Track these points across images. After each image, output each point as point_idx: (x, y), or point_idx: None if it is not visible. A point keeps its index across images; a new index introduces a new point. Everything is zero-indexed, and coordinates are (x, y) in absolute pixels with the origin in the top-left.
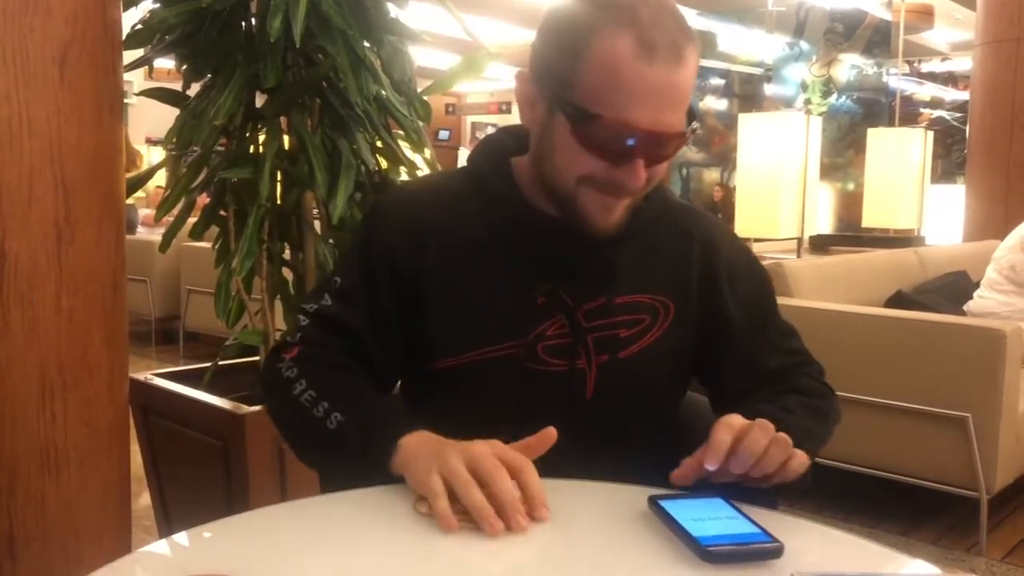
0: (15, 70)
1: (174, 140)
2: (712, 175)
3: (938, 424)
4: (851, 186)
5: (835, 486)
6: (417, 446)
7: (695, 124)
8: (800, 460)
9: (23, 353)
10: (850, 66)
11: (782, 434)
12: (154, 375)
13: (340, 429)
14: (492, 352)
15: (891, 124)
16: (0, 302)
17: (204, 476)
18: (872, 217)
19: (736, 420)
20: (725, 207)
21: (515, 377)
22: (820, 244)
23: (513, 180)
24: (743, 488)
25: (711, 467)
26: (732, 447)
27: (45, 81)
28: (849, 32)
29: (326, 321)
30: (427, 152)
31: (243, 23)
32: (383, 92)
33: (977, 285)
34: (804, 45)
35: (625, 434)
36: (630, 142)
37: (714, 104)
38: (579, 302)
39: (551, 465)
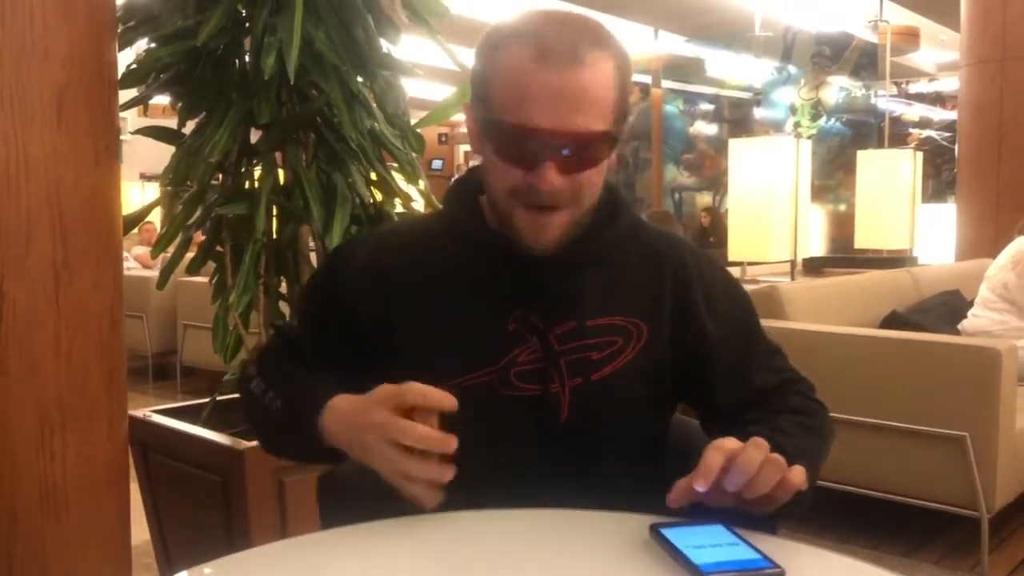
0: (12, 112)
1: (170, 177)
2: (704, 199)
3: (936, 444)
4: (842, 207)
5: (835, 508)
6: (334, 420)
7: (619, 134)
8: (797, 477)
9: (22, 393)
10: (838, 89)
11: (775, 454)
12: (153, 412)
13: (279, 411)
14: (466, 381)
15: (881, 145)
16: (1, 345)
17: (204, 512)
18: (864, 238)
19: (728, 442)
20: (715, 232)
21: (490, 403)
22: (814, 266)
23: (481, 214)
24: (744, 514)
25: (700, 488)
26: (725, 466)
27: (43, 123)
28: (836, 55)
29: (285, 336)
30: (421, 183)
31: (237, 61)
32: (377, 126)
33: (971, 304)
34: (792, 69)
35: (601, 457)
36: (535, 145)
37: (704, 129)
38: (550, 326)
39: (529, 487)
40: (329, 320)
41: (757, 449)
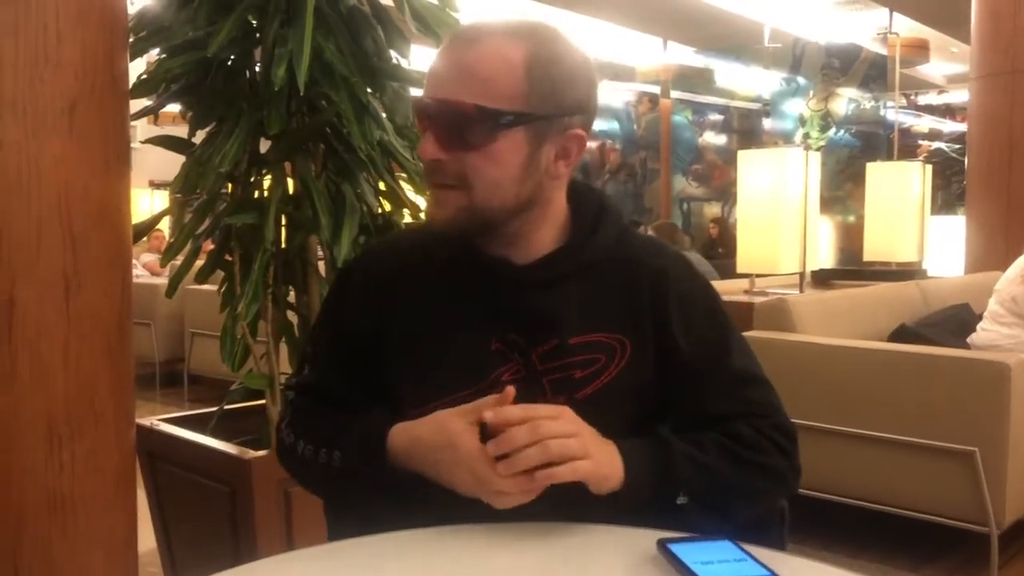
0: (25, 121)
1: (180, 186)
2: (713, 210)
3: (945, 459)
4: (851, 219)
5: (843, 523)
6: (404, 452)
7: (496, 110)
8: (578, 469)
9: (31, 400)
10: (847, 100)
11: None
12: (160, 420)
13: (342, 463)
14: (451, 401)
15: (890, 157)
16: (9, 350)
17: (210, 521)
18: (873, 251)
19: (541, 410)
20: (723, 243)
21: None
22: (822, 278)
23: None
24: (751, 531)
25: (487, 416)
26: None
27: (54, 131)
28: (845, 67)
29: (307, 389)
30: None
31: (247, 71)
32: (386, 137)
33: (980, 317)
34: (801, 80)
35: None
36: (419, 112)
37: (713, 139)
38: (533, 344)
39: (520, 508)
40: (343, 350)
41: (534, 427)
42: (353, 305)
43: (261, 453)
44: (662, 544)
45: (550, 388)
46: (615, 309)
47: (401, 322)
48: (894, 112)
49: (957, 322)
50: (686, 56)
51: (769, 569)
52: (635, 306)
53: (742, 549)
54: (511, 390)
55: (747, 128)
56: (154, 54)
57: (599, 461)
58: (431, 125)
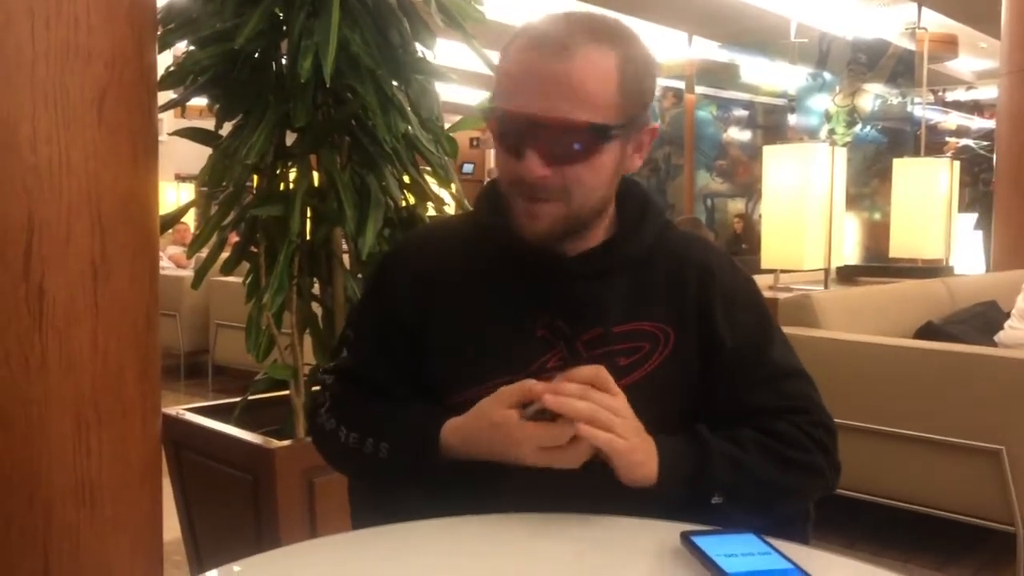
0: (56, 112)
1: (207, 178)
2: (737, 205)
3: (971, 457)
4: (877, 216)
5: (867, 521)
6: (459, 442)
7: (604, 124)
8: (614, 442)
9: (60, 389)
10: (874, 96)
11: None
12: (185, 410)
13: (392, 455)
14: (494, 386)
15: (917, 153)
16: (39, 339)
17: (234, 510)
18: (900, 247)
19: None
20: (747, 239)
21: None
22: (847, 275)
23: (509, 219)
24: (774, 527)
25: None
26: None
27: (84, 123)
28: (872, 62)
29: (345, 373)
30: (454, 187)
31: (274, 63)
32: (411, 129)
33: (1007, 315)
34: (827, 76)
35: None
36: (516, 129)
37: (737, 135)
38: (578, 332)
39: (559, 495)
40: (384, 336)
41: (590, 394)
42: (396, 292)
43: (285, 443)
44: (685, 536)
45: None
46: (660, 301)
47: (445, 310)
48: (921, 108)
49: (984, 320)
50: (711, 51)
51: (793, 562)
52: (680, 299)
53: (766, 542)
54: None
55: (772, 124)
56: (180, 47)
57: (634, 447)
58: (533, 142)
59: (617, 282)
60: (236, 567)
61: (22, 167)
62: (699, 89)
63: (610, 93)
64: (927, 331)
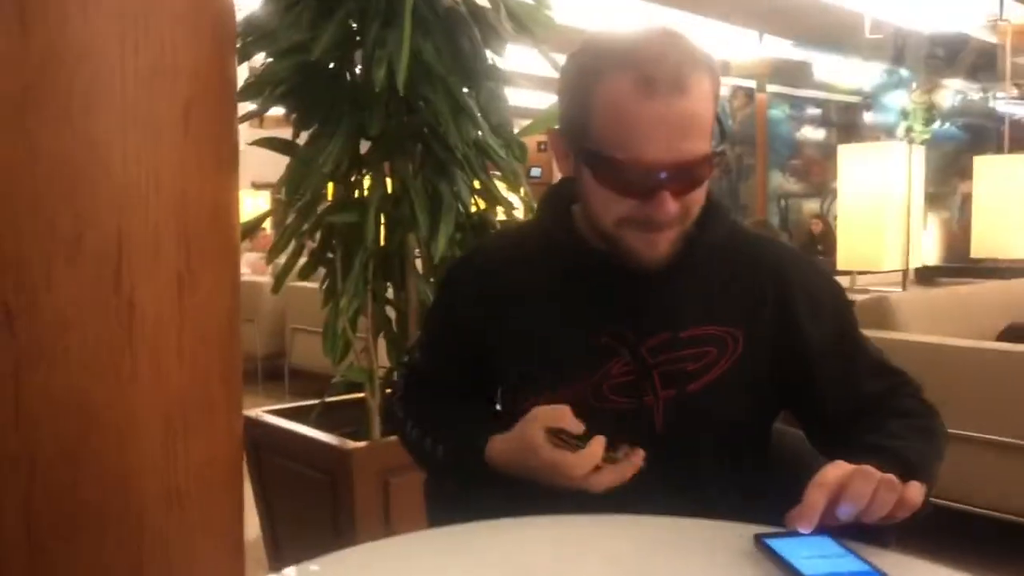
0: (145, 131)
1: (285, 186)
2: (811, 206)
3: None
4: (957, 215)
5: (947, 528)
6: (501, 458)
7: (722, 146)
8: (914, 494)
9: (151, 398)
10: (954, 92)
11: (888, 476)
12: (264, 412)
13: (444, 457)
14: (559, 396)
15: (1000, 150)
16: (130, 351)
17: (312, 509)
18: (981, 247)
19: (831, 476)
20: (825, 239)
21: (583, 417)
22: (927, 276)
23: (573, 226)
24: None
25: (804, 530)
26: (834, 499)
27: (171, 139)
28: (951, 57)
29: (416, 371)
30: (523, 191)
31: (348, 74)
32: (481, 136)
33: None
34: (904, 72)
35: (698, 467)
36: (649, 178)
37: (811, 134)
38: (643, 338)
39: (626, 501)
40: (453, 343)
41: (865, 480)
42: (464, 300)
43: (361, 444)
44: (759, 539)
45: (660, 381)
46: (729, 303)
47: (510, 318)
48: (1005, 103)
49: None
50: (783, 49)
51: (871, 564)
52: (752, 301)
53: (841, 544)
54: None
55: (847, 122)
56: (257, 59)
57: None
58: (666, 184)
59: (684, 285)
60: (314, 566)
61: (113, 186)
62: (771, 88)
63: (713, 113)
64: (1010, 333)
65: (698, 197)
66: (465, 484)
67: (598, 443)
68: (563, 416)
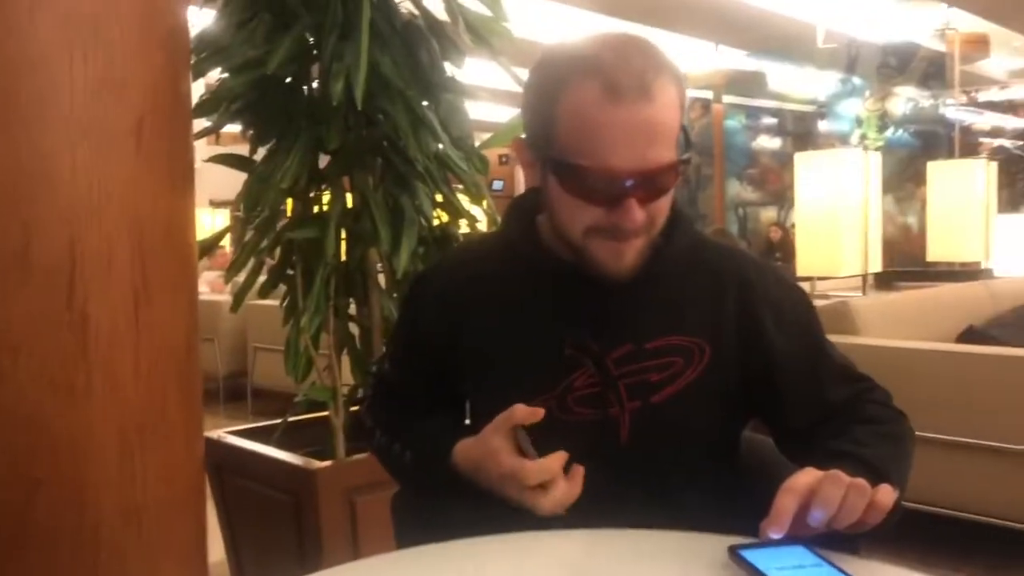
0: (95, 142)
1: (243, 203)
2: (768, 214)
3: (1017, 462)
4: (911, 220)
5: (913, 529)
6: (466, 463)
7: (687, 155)
8: (885, 497)
9: (106, 413)
10: (905, 99)
11: (858, 480)
12: (227, 433)
13: (412, 462)
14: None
15: (951, 156)
16: (85, 365)
17: (277, 531)
18: (937, 251)
19: (800, 482)
20: (783, 247)
21: (549, 428)
22: (885, 280)
23: (539, 238)
24: (826, 533)
25: (775, 535)
26: (804, 505)
27: (122, 152)
28: (903, 65)
29: (383, 381)
30: (485, 203)
31: (305, 88)
32: (442, 148)
33: None
34: (857, 80)
35: (666, 478)
36: (615, 186)
37: (767, 143)
38: (607, 349)
39: (592, 513)
40: (418, 357)
41: (834, 485)
42: (427, 314)
43: (326, 463)
44: (733, 550)
45: (625, 392)
46: (695, 314)
47: (474, 330)
48: (954, 110)
49: None
50: (738, 60)
51: (846, 572)
52: (718, 312)
53: (817, 554)
54: (540, 411)
55: (802, 131)
56: (212, 75)
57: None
58: (635, 192)
59: (648, 295)
60: None
61: (63, 198)
62: (727, 98)
63: (678, 121)
64: (969, 335)
65: (663, 206)
66: (433, 490)
67: (559, 457)
68: (516, 409)
